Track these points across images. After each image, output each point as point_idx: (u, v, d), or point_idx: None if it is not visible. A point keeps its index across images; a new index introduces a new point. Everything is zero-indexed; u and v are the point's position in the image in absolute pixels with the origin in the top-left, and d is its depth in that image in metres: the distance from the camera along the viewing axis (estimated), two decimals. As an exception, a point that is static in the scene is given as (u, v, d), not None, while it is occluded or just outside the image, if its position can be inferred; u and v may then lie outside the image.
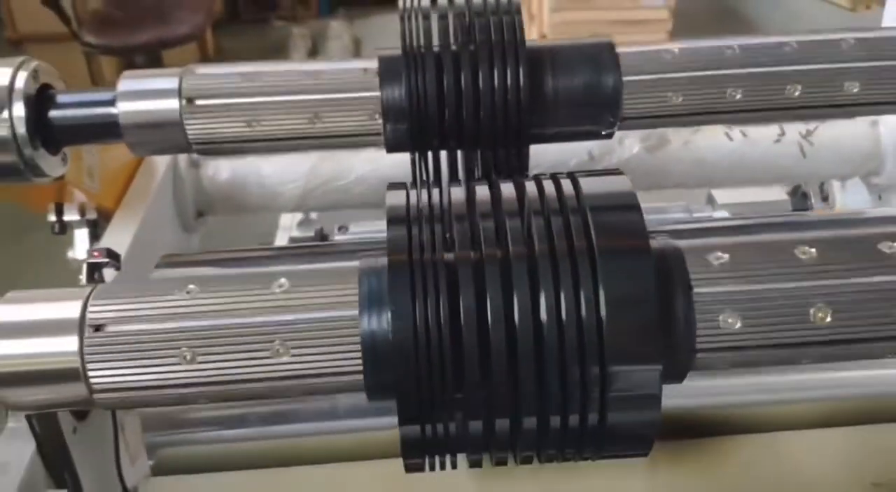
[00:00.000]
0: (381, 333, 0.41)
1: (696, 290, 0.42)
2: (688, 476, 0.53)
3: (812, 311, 0.42)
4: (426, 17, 0.61)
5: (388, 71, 0.62)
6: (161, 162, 0.89)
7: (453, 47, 0.60)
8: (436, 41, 0.60)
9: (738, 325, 0.42)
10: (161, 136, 0.64)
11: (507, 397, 0.39)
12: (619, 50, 0.64)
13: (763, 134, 0.91)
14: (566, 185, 0.42)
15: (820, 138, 0.90)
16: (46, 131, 0.64)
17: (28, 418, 0.55)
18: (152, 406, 0.43)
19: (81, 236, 0.79)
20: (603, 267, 0.39)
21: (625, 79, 0.63)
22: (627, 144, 0.90)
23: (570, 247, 0.39)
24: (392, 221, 0.41)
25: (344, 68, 0.64)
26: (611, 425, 0.40)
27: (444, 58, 0.59)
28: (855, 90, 0.63)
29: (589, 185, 0.42)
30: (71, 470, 0.59)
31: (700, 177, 0.90)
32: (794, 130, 0.90)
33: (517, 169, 0.62)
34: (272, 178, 0.94)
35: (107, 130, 0.64)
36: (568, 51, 0.63)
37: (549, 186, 0.42)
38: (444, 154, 0.63)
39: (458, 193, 0.42)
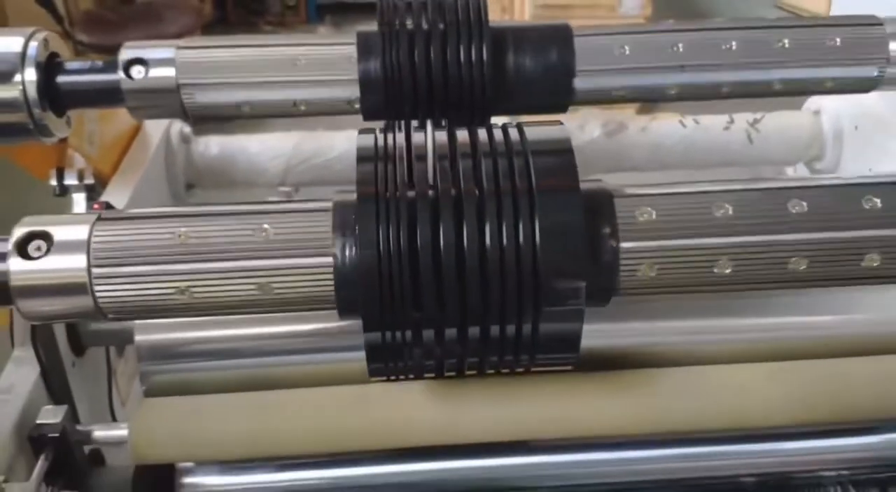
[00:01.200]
0: (350, 257, 0.47)
1: (620, 222, 0.49)
2: (624, 399, 0.60)
3: (717, 265, 0.49)
4: (401, -1, 0.68)
5: (365, 47, 0.68)
6: (155, 135, 0.96)
7: (424, 27, 0.67)
8: (409, 21, 0.67)
9: (656, 266, 0.49)
10: (159, 102, 0.71)
11: (455, 309, 0.46)
12: (576, 32, 0.71)
13: (714, 122, 0.98)
14: (513, 132, 0.49)
15: (766, 126, 0.98)
16: (54, 95, 0.70)
17: (35, 346, 0.61)
18: (150, 316, 0.50)
19: (79, 199, 0.85)
20: (539, 200, 0.46)
21: (578, 58, 0.70)
22: (588, 129, 0.97)
23: (512, 184, 0.46)
24: (361, 159, 0.47)
25: (325, 44, 0.71)
26: (542, 333, 0.47)
27: (416, 35, 0.66)
28: (784, 76, 0.71)
29: (532, 132, 0.49)
30: (69, 396, 0.66)
31: (655, 160, 0.98)
32: (743, 118, 0.98)
33: (479, 137, 0.69)
34: (259, 155, 1.00)
35: (109, 95, 0.70)
36: (527, 31, 0.70)
37: (498, 133, 0.49)
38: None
39: (419, 138, 0.49)
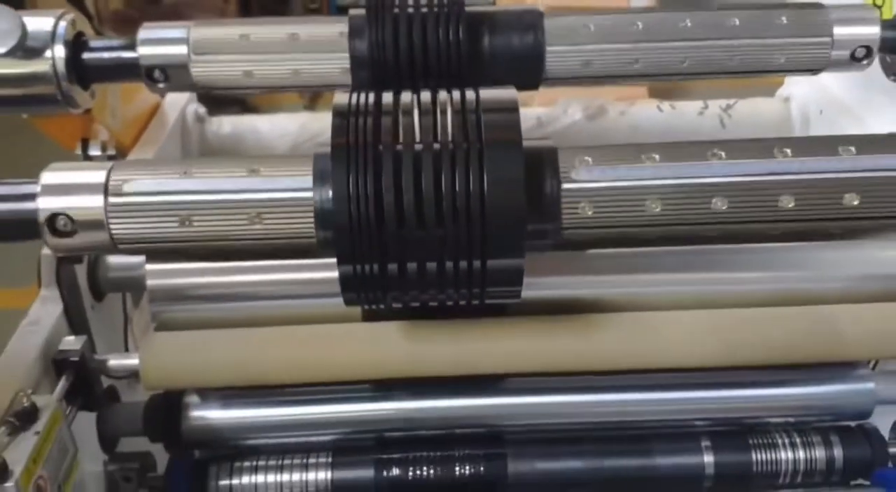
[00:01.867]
0: (326, 200, 0.55)
1: (562, 178, 0.56)
2: (576, 341, 0.67)
3: (647, 203, 0.57)
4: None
5: (354, 27, 0.76)
6: (172, 113, 1.04)
7: (408, 10, 0.74)
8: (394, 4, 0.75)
9: (593, 196, 0.57)
10: (173, 76, 0.79)
11: (415, 246, 0.54)
12: (547, 17, 0.78)
13: (689, 107, 1.06)
14: (470, 95, 0.57)
15: (738, 111, 1.05)
16: (80, 69, 0.78)
17: (59, 285, 0.70)
18: (157, 248, 0.58)
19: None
20: (486, 151, 0.54)
21: (548, 39, 0.77)
22: (570, 113, 1.05)
23: (465, 137, 0.54)
24: (336, 114, 0.55)
25: (320, 23, 0.79)
26: (490, 267, 0.54)
27: (399, 18, 0.74)
28: (735, 62, 0.78)
29: (485, 94, 0.57)
30: (88, 333, 0.74)
31: (633, 142, 1.05)
32: (716, 104, 1.05)
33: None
34: (268, 133, 1.09)
35: (129, 70, 0.79)
36: (502, 15, 0.78)
37: (456, 95, 0.57)
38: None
39: (387, 97, 0.57)
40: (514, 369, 0.68)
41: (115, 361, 0.69)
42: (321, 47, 0.78)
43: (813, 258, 0.70)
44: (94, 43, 0.79)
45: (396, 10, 0.75)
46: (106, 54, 0.79)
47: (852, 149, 0.60)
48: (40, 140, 0.92)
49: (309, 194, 0.56)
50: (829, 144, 0.59)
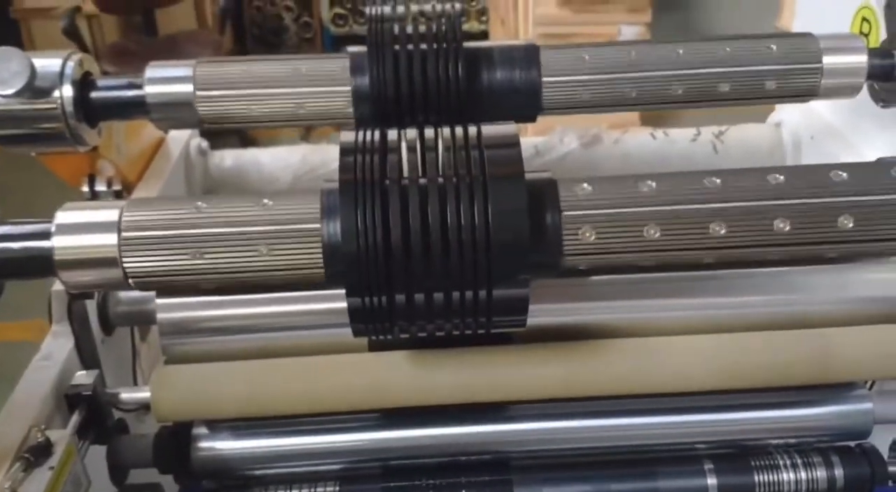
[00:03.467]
0: (334, 234, 0.57)
1: (563, 207, 0.58)
2: (581, 367, 0.68)
3: (646, 229, 0.58)
4: (388, 21, 0.78)
5: (356, 64, 0.79)
6: (175, 148, 1.06)
7: (407, 47, 0.77)
8: (394, 41, 0.77)
9: (594, 224, 0.58)
10: (179, 113, 0.81)
11: (423, 278, 0.55)
12: (543, 51, 0.81)
13: (682, 134, 1.08)
14: (472, 130, 0.59)
15: (730, 138, 1.07)
16: (88, 108, 0.80)
17: (70, 321, 0.71)
18: (170, 284, 0.60)
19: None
20: (490, 186, 0.55)
21: (544, 73, 0.79)
22: (566, 142, 1.07)
23: (468, 172, 0.56)
24: (343, 151, 0.57)
25: (321, 61, 0.81)
26: (495, 298, 0.56)
27: (399, 56, 0.76)
28: (726, 89, 0.80)
29: (487, 130, 0.59)
30: (98, 367, 0.76)
31: (627, 170, 1.07)
32: (709, 131, 1.07)
33: (458, 143, 0.78)
34: (269, 165, 1.11)
35: (136, 108, 0.81)
36: (499, 51, 0.80)
37: (459, 131, 0.59)
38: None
39: (392, 134, 0.59)
40: (521, 397, 0.70)
41: (126, 395, 0.70)
42: (323, 84, 0.80)
43: (810, 282, 0.72)
44: (101, 82, 0.81)
45: (396, 47, 0.77)
46: (113, 93, 0.81)
47: (844, 174, 0.62)
48: (49, 176, 0.94)
49: (317, 227, 0.58)
50: (820, 171, 0.61)
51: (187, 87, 0.80)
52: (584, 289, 0.72)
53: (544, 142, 1.07)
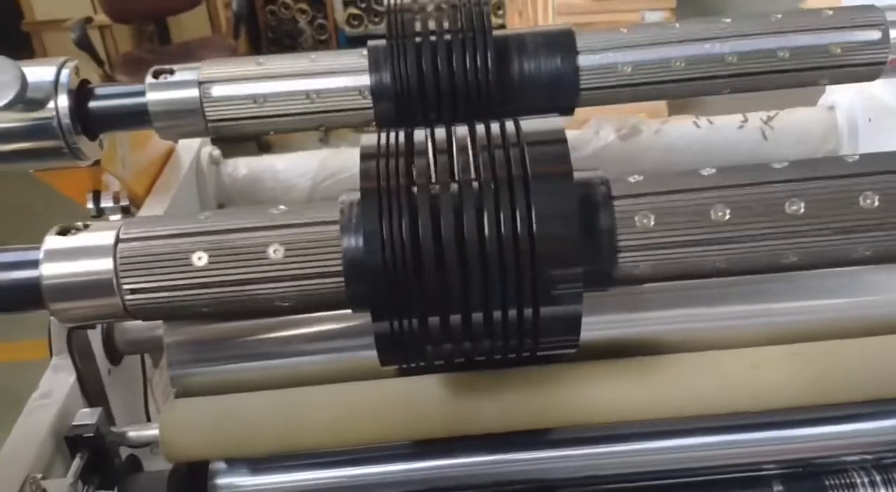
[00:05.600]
0: (356, 251, 0.50)
1: (616, 204, 0.51)
2: (638, 385, 0.61)
3: (712, 212, 0.51)
4: (408, 11, 0.71)
5: (375, 58, 0.72)
6: (185, 159, 1.00)
7: (431, 38, 0.70)
8: (416, 33, 0.70)
9: (652, 225, 0.51)
10: (184, 121, 0.74)
11: (458, 297, 0.48)
12: (578, 36, 0.73)
13: (728, 121, 1.00)
14: (510, 126, 0.52)
15: (780, 123, 0.98)
16: (86, 119, 0.73)
17: (71, 353, 0.64)
18: (172, 314, 0.53)
19: (116, 219, 0.89)
20: (534, 188, 0.48)
21: (581, 61, 0.72)
22: (603, 135, 0.99)
23: (508, 173, 0.49)
24: (364, 157, 0.50)
25: (337, 57, 0.74)
26: (543, 317, 0.49)
27: (422, 47, 0.69)
28: (786, 56, 0.72)
29: (527, 125, 0.52)
30: (105, 402, 0.69)
31: (669, 161, 0.99)
32: (757, 117, 0.99)
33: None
34: (286, 173, 1.04)
35: (138, 117, 0.74)
36: (531, 37, 0.73)
37: (495, 127, 0.52)
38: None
39: (419, 134, 0.51)
40: (569, 422, 0.62)
41: (134, 433, 0.64)
42: (340, 81, 0.73)
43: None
44: (99, 90, 0.75)
45: (418, 39, 0.70)
46: (113, 102, 0.74)
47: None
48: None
49: (336, 243, 0.51)
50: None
51: (192, 92, 0.73)
52: (634, 298, 0.65)
53: (578, 135, 0.99)
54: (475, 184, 0.49)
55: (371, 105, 0.72)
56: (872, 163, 0.53)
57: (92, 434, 0.60)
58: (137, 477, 0.69)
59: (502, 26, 3.53)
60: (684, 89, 0.73)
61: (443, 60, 0.69)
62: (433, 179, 0.49)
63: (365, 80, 0.72)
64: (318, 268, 0.51)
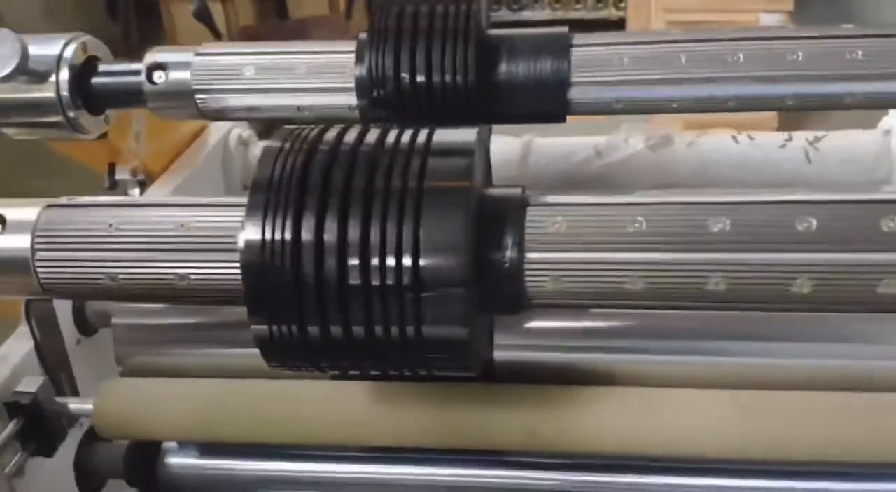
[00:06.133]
0: (246, 250, 0.48)
1: (528, 223, 0.47)
2: (563, 417, 0.58)
3: (631, 279, 0.47)
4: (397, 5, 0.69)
5: (360, 53, 0.70)
6: (214, 139, 1.02)
7: (412, 34, 0.67)
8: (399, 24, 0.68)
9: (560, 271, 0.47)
10: (177, 103, 0.75)
11: (337, 308, 0.46)
12: (575, 42, 0.69)
13: (770, 139, 0.92)
14: (422, 135, 0.49)
15: (827, 145, 0.90)
16: (88, 95, 0.76)
17: (28, 321, 0.67)
18: (87, 298, 0.54)
19: (134, 193, 0.92)
20: (426, 203, 0.46)
21: (575, 67, 0.68)
22: (632, 143, 0.94)
23: (403, 185, 0.46)
24: (263, 156, 0.49)
25: (329, 47, 0.73)
26: (426, 337, 0.46)
27: (401, 42, 0.67)
28: (796, 90, 0.66)
29: (440, 135, 0.49)
30: (68, 374, 0.71)
31: (702, 177, 0.93)
32: (802, 136, 0.92)
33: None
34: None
35: (134, 96, 0.76)
36: (523, 39, 0.70)
37: (406, 136, 0.49)
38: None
39: (330, 136, 0.50)
40: (490, 445, 0.59)
41: (74, 405, 0.65)
42: (327, 74, 0.72)
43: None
44: (103, 67, 0.76)
45: (399, 36, 0.68)
46: (112, 79, 0.76)
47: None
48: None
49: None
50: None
51: (185, 75, 0.74)
52: (583, 320, 0.61)
53: (606, 142, 0.95)
54: (363, 191, 0.47)
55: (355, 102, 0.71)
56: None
57: (28, 402, 0.62)
58: (96, 446, 0.72)
59: (622, 20, 3.43)
60: (684, 107, 0.68)
61: (421, 60, 0.66)
62: (324, 187, 0.47)
63: (350, 75, 0.71)
64: (220, 271, 0.50)
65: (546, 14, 3.81)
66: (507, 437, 0.58)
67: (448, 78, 0.66)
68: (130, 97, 0.76)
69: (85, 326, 0.74)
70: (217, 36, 2.96)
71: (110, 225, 0.52)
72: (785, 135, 0.92)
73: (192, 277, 0.51)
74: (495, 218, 0.49)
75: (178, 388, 0.63)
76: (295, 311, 0.47)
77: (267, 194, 0.47)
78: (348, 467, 0.66)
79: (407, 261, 0.45)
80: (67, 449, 0.69)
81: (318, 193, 0.47)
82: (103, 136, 0.80)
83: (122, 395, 0.64)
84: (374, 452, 0.65)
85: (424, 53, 0.66)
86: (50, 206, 0.54)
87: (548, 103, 0.70)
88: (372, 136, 0.50)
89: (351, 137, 0.50)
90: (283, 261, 0.46)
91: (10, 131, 0.77)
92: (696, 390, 0.58)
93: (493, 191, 0.51)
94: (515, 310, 0.50)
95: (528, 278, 0.48)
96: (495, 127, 0.70)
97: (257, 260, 0.46)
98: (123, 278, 0.52)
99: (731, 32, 0.68)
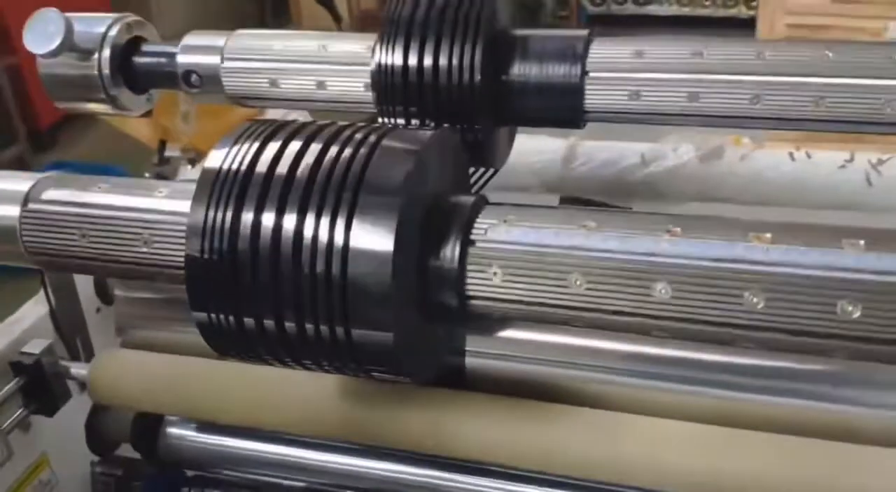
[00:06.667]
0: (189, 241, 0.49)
1: (474, 237, 0.46)
2: (526, 432, 0.56)
3: (571, 278, 0.45)
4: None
5: (375, 50, 0.70)
6: (268, 121, 1.04)
7: (421, 30, 0.66)
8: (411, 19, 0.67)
9: (501, 278, 0.46)
10: (208, 86, 0.77)
11: (270, 301, 0.47)
12: (592, 45, 0.66)
13: (829, 158, 0.86)
14: (374, 135, 0.49)
15: (892, 169, 0.84)
16: (130, 74, 0.79)
17: (44, 286, 0.70)
18: (65, 269, 0.56)
19: (183, 169, 0.96)
20: (360, 204, 0.45)
21: (589, 73, 0.66)
22: (681, 152, 0.90)
23: (341, 184, 0.46)
24: (221, 142, 0.49)
25: (349, 40, 0.73)
26: (357, 340, 0.46)
27: (411, 38, 0.66)
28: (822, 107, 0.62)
29: (393, 134, 0.48)
30: (85, 339, 0.75)
31: (753, 193, 0.88)
32: (865, 158, 0.85)
33: (470, 146, 0.67)
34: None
35: (171, 78, 0.78)
36: (539, 40, 0.68)
37: (359, 134, 0.49)
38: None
39: (290, 128, 0.50)
40: (450, 453, 0.59)
41: (76, 370, 0.69)
42: (346, 64, 0.73)
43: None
44: (146, 47, 0.79)
45: (409, 33, 0.67)
46: (151, 60, 0.79)
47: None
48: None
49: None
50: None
51: (215, 59, 0.76)
52: (560, 335, 0.59)
53: (653, 150, 0.91)
54: (304, 191, 0.47)
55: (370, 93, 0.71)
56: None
57: (31, 362, 0.66)
58: (106, 413, 0.75)
59: (752, 19, 3.28)
60: (697, 121, 0.65)
61: (428, 57, 0.65)
62: (265, 183, 0.47)
63: (367, 66, 0.71)
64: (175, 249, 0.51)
65: (673, 10, 3.70)
66: (463, 445, 0.57)
67: (454, 76, 0.65)
68: (167, 78, 0.79)
69: (105, 295, 0.78)
70: (337, 19, 3.02)
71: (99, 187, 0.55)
72: (846, 154, 0.86)
73: (154, 242, 0.53)
74: (442, 225, 0.48)
75: (166, 363, 0.66)
76: (231, 302, 0.47)
77: (211, 187, 0.48)
78: (336, 458, 0.67)
79: (335, 260, 0.45)
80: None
81: (258, 188, 0.47)
82: (147, 113, 0.84)
83: (115, 364, 0.67)
84: (356, 444, 0.66)
85: (432, 50, 0.65)
86: (51, 176, 0.57)
87: (561, 107, 0.68)
88: (326, 133, 0.50)
89: (304, 134, 0.50)
90: (220, 252, 0.47)
91: (60, 105, 0.81)
92: (668, 421, 0.55)
93: (449, 198, 0.50)
94: (458, 319, 0.49)
95: (469, 288, 0.47)
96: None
97: (197, 249, 0.47)
98: (92, 239, 0.54)
99: (755, 42, 0.64)
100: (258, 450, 0.71)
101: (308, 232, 0.46)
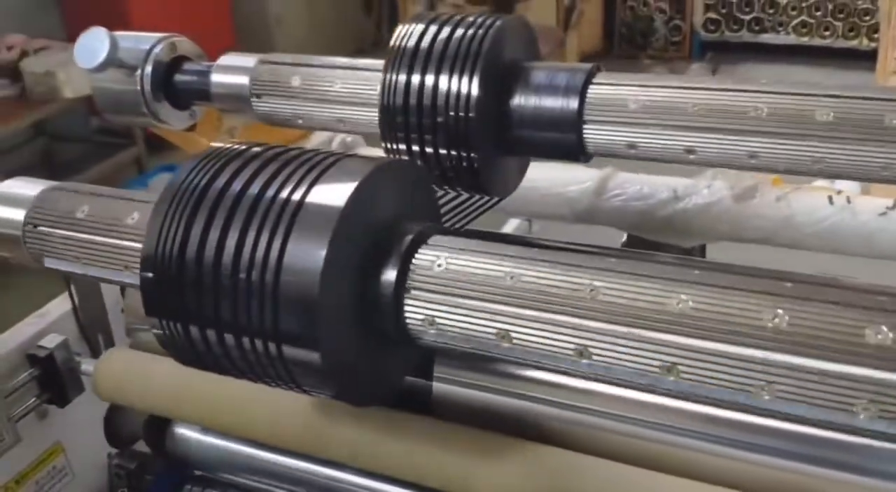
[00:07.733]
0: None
1: (412, 270, 0.47)
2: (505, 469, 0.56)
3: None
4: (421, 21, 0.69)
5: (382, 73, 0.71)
6: (314, 142, 1.07)
7: (424, 60, 0.67)
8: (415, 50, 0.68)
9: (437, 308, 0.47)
10: (238, 106, 0.81)
11: (210, 313, 0.49)
12: (595, 81, 0.66)
13: (870, 204, 0.82)
14: (330, 158, 0.50)
15: (936, 220, 0.79)
16: (172, 91, 0.84)
17: (67, 284, 0.75)
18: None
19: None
20: (297, 224, 0.47)
21: (587, 108, 0.65)
22: (715, 188, 0.88)
23: (283, 205, 0.48)
24: (193, 158, 0.52)
25: (366, 66, 0.75)
26: (288, 356, 0.47)
27: (413, 68, 0.67)
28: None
29: (345, 158, 0.50)
30: (107, 336, 0.79)
31: (787, 236, 0.84)
32: (907, 205, 0.80)
33: (468, 174, 0.67)
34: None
35: (204, 95, 0.83)
36: (541, 73, 0.68)
37: (318, 157, 0.51)
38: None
39: (253, 150, 0.52)
40: (411, 478, 0.59)
41: (86, 365, 0.73)
42: (361, 92, 0.75)
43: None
44: (187, 66, 0.84)
45: (412, 59, 0.68)
46: (189, 78, 0.83)
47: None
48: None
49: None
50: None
51: (244, 80, 0.80)
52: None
53: (687, 185, 0.89)
54: (249, 210, 0.49)
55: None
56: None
57: (44, 355, 0.71)
58: (122, 410, 0.80)
59: (873, 51, 3.13)
60: (694, 160, 0.63)
61: (429, 85, 0.67)
62: (215, 203, 0.49)
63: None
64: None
65: (790, 39, 3.57)
66: (420, 472, 0.58)
67: (451, 106, 0.66)
68: (202, 95, 0.83)
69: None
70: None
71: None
72: (888, 201, 0.81)
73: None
74: (384, 251, 0.49)
75: (167, 366, 0.69)
76: (180, 312, 0.50)
77: (168, 205, 0.50)
78: (330, 472, 0.68)
79: (269, 276, 0.47)
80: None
81: (207, 208, 0.49)
82: (191, 128, 0.88)
83: (119, 363, 0.71)
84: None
85: (433, 79, 0.66)
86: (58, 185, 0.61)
87: (559, 140, 0.67)
88: (283, 158, 0.51)
89: (262, 158, 0.52)
90: (170, 265, 0.49)
91: (109, 117, 0.86)
92: (634, 468, 0.54)
93: (400, 225, 0.51)
94: (399, 344, 0.50)
95: (407, 314, 0.48)
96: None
97: (150, 262, 0.50)
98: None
99: (755, 85, 0.62)
100: (258, 456, 0.73)
101: (247, 249, 0.48)
